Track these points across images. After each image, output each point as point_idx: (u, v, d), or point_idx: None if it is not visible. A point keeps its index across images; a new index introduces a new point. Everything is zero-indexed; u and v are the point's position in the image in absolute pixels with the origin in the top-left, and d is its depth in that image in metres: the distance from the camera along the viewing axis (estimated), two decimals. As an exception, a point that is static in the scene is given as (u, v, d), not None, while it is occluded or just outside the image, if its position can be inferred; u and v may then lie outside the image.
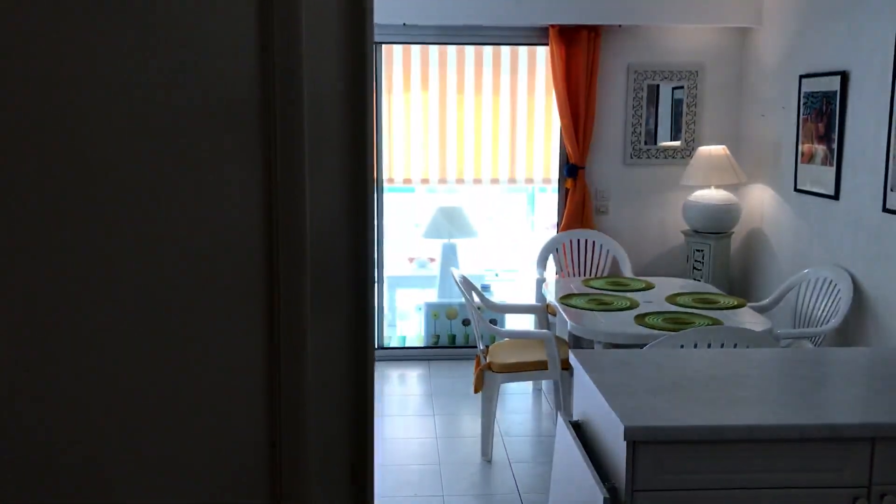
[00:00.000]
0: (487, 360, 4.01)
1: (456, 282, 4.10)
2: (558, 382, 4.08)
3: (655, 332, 3.51)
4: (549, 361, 3.92)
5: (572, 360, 2.55)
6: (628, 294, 4.19)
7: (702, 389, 2.25)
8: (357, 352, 1.14)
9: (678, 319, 3.68)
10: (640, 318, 3.70)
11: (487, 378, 3.97)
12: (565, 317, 3.77)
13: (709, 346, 3.08)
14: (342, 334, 1.13)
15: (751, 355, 2.59)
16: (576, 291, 4.23)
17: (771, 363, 2.52)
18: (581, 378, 2.45)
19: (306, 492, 0.98)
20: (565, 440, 2.44)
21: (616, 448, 2.06)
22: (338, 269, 1.11)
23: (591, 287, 4.35)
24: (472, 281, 4.41)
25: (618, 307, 3.90)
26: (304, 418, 0.98)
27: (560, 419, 2.54)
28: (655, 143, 5.42)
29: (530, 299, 6.52)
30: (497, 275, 8.74)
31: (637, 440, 1.98)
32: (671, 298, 4.08)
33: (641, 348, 3.53)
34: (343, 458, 1.14)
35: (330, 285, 1.08)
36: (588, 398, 2.38)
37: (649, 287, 4.36)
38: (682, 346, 3.06)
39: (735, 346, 3.09)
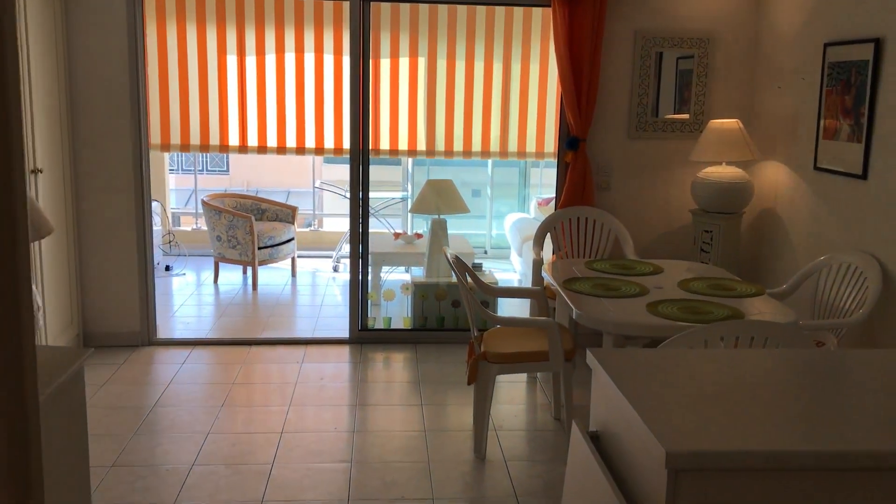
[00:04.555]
0: (482, 349, 3.66)
1: (449, 262, 3.74)
2: (559, 374, 3.75)
3: (670, 322, 3.17)
4: (550, 352, 3.57)
5: (591, 360, 2.20)
6: (636, 278, 3.85)
7: (748, 402, 1.91)
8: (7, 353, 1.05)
9: (694, 309, 3.35)
10: (652, 307, 3.36)
11: (482, 368, 3.62)
12: (570, 303, 3.42)
13: (737, 340, 2.75)
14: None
15: (797, 358, 2.25)
16: (579, 275, 3.88)
17: (823, 368, 2.18)
18: (602, 382, 2.10)
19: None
20: (582, 455, 2.10)
21: (650, 472, 1.72)
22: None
23: (595, 270, 4.00)
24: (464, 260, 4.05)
25: (627, 293, 3.56)
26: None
27: (575, 428, 2.19)
28: (662, 116, 5.06)
29: (518, 278, 6.16)
30: (486, 252, 8.39)
31: (680, 468, 1.63)
32: (684, 284, 3.74)
33: (654, 340, 3.17)
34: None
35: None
36: (611, 407, 2.04)
37: (658, 270, 4.02)
38: (706, 342, 2.73)
39: (766, 341, 2.76)
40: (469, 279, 3.90)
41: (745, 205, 4.74)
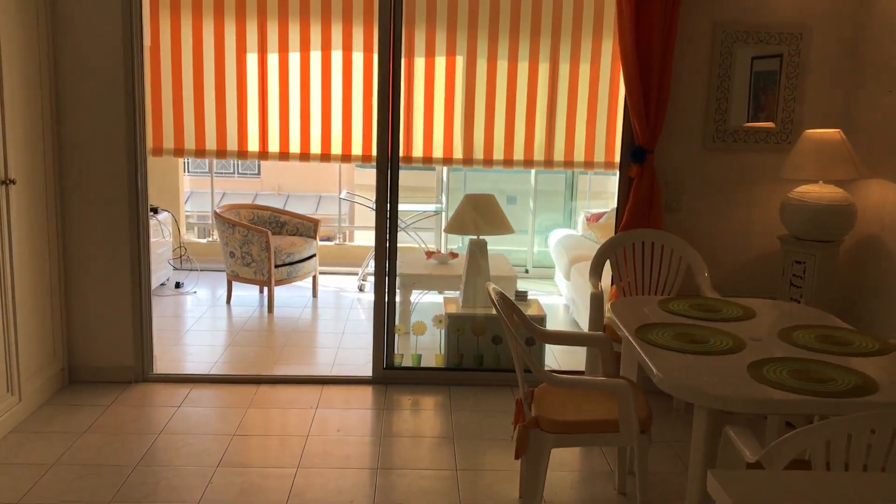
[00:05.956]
0: (533, 413, 2.94)
1: (493, 302, 3.03)
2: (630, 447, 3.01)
3: (788, 396, 2.42)
4: (621, 422, 2.84)
5: (715, 489, 1.48)
6: (724, 325, 3.10)
7: None
8: None
9: (809, 373, 2.59)
10: (755, 370, 2.61)
11: (534, 439, 2.90)
12: (648, 362, 2.68)
13: None
14: None
15: None
16: (653, 319, 3.14)
17: None
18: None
19: None
20: None
21: None
22: None
23: (672, 312, 3.26)
24: (508, 295, 3.33)
25: (718, 348, 2.81)
26: None
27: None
28: (737, 124, 4.30)
29: (564, 303, 5.42)
30: (527, 271, 7.66)
31: None
32: (785, 335, 2.99)
33: (758, 418, 2.42)
34: None
35: None
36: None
37: (749, 314, 3.26)
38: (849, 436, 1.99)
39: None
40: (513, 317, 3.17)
41: (846, 231, 3.97)
